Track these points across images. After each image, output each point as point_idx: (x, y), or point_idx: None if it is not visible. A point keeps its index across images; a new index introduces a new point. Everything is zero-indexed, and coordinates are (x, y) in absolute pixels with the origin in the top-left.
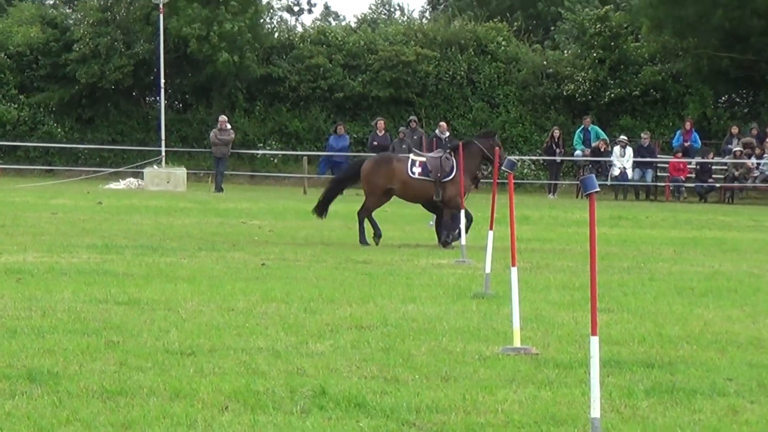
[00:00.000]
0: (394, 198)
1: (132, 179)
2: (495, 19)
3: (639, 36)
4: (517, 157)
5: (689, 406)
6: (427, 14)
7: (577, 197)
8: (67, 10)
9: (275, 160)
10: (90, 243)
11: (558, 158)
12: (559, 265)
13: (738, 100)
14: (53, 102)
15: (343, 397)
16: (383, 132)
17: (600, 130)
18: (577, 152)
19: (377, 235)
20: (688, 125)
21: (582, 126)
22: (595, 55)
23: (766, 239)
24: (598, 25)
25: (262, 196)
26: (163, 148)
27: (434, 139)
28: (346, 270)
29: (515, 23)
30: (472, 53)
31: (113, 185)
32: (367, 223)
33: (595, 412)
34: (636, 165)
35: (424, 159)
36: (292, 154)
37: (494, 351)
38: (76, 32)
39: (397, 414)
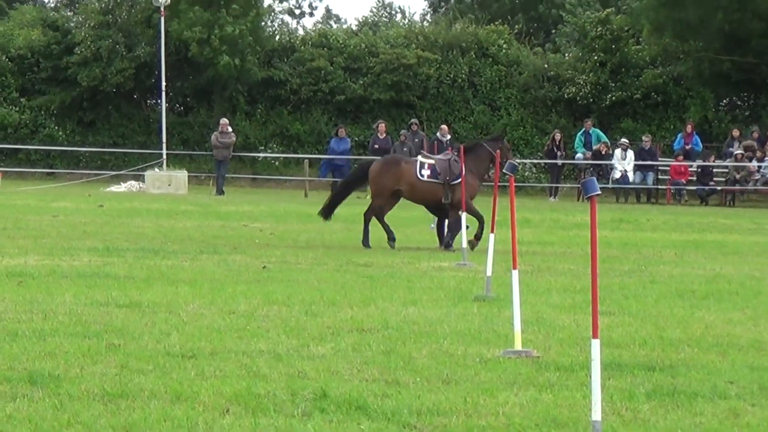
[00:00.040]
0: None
1: (133, 182)
2: (496, 22)
3: (640, 39)
4: (518, 160)
5: (690, 409)
6: (428, 17)
7: (578, 200)
8: (69, 13)
9: (276, 163)
10: (91, 246)
11: (559, 161)
12: (560, 268)
13: (739, 103)
14: (54, 105)
15: (344, 400)
16: (384, 135)
17: (601, 133)
18: (578, 155)
19: (391, 239)
20: (689, 128)
21: (583, 129)
22: (596, 58)
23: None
24: (599, 28)
25: (263, 199)
26: (164, 151)
27: (435, 142)
28: (348, 273)
29: (516, 26)
30: (474, 56)
31: (114, 188)
32: (378, 227)
33: (596, 415)
34: (637, 168)
35: (432, 161)
36: (294, 157)
37: (495, 354)
38: (78, 35)
39: (398, 417)
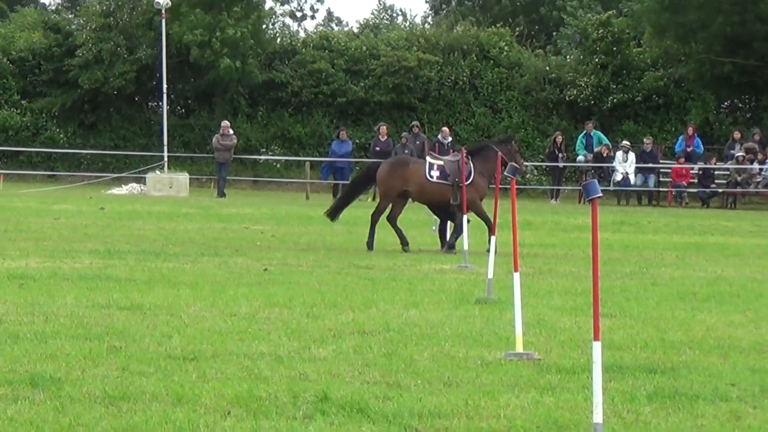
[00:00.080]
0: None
1: (134, 184)
2: (497, 25)
3: (641, 41)
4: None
5: (692, 411)
6: (429, 19)
7: (579, 202)
8: (70, 16)
9: (278, 166)
10: (92, 248)
11: (560, 163)
12: (562, 270)
13: (740, 105)
14: (56, 107)
15: (345, 403)
16: (386, 137)
17: (602, 136)
18: (580, 157)
19: (403, 243)
20: (690, 130)
21: (584, 131)
22: (597, 60)
23: None
24: (601, 31)
25: (264, 202)
26: (165, 154)
27: (436, 144)
28: (349, 275)
29: (518, 28)
30: (475, 58)
31: (116, 190)
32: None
33: (598, 417)
34: (638, 170)
35: (441, 162)
36: (295, 160)
37: (497, 356)
38: (79, 37)
39: (399, 419)
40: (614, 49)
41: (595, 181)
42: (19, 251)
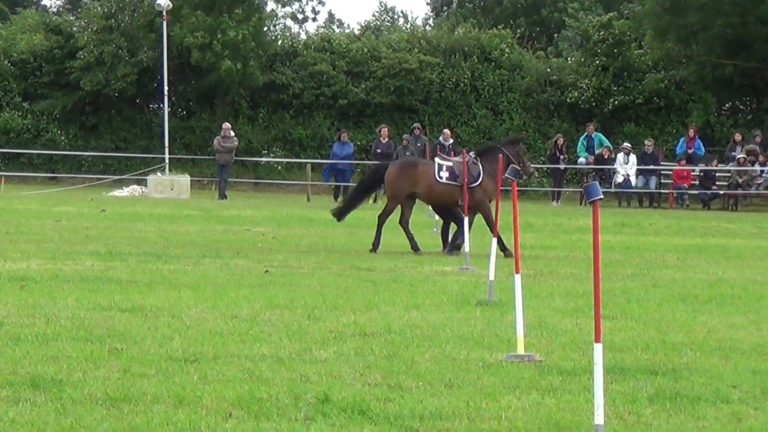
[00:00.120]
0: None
1: (135, 186)
2: (499, 27)
3: (642, 43)
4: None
5: (693, 413)
6: (430, 21)
7: (580, 204)
8: (71, 18)
9: (279, 168)
10: (93, 250)
11: (562, 165)
12: (563, 272)
13: (741, 107)
14: (57, 109)
15: (346, 404)
16: (387, 139)
17: (603, 138)
18: (581, 159)
19: (414, 248)
20: (691, 132)
21: (585, 133)
22: (598, 62)
23: None
24: (602, 33)
25: (265, 204)
26: (166, 156)
27: (438, 146)
28: (350, 277)
29: (519, 30)
30: (476, 60)
31: (117, 192)
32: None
33: (599, 419)
34: (639, 172)
35: (450, 164)
36: (296, 162)
37: (498, 358)
38: (80, 39)
39: (400, 421)
40: (615, 51)
41: (596, 183)
42: (20, 253)
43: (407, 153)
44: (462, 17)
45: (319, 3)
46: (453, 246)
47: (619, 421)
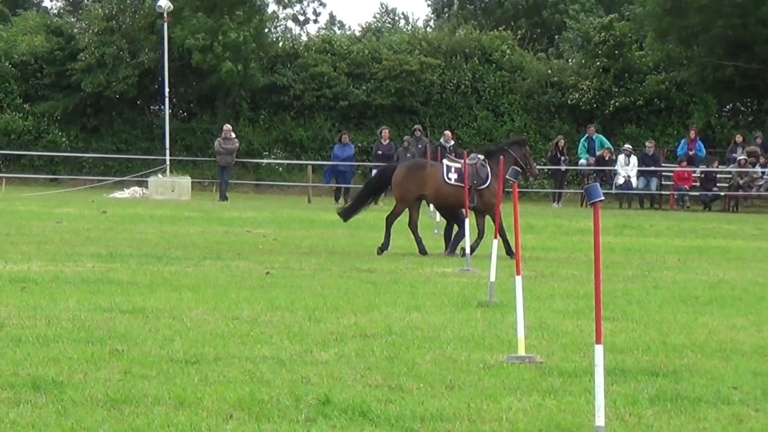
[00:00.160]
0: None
1: (136, 188)
2: (499, 28)
3: (643, 45)
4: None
5: (694, 414)
6: (431, 23)
7: (581, 206)
8: (72, 19)
9: (280, 169)
10: (94, 252)
11: (562, 167)
12: (564, 273)
13: (742, 108)
14: (58, 111)
15: (347, 406)
16: (388, 141)
17: (604, 139)
18: (582, 161)
19: (422, 251)
20: (692, 134)
21: (586, 135)
22: (599, 63)
23: None
24: (603, 34)
25: (266, 205)
26: (167, 157)
27: (438, 147)
28: (351, 279)
29: (520, 32)
30: (477, 62)
31: (118, 194)
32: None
33: (600, 420)
34: (640, 174)
35: (459, 165)
36: (297, 163)
37: (499, 359)
38: (81, 41)
39: (401, 422)
40: (616, 52)
41: (597, 184)
42: (21, 255)
43: (408, 154)
44: (463, 19)
45: (320, 5)
46: (473, 247)
47: (619, 423)
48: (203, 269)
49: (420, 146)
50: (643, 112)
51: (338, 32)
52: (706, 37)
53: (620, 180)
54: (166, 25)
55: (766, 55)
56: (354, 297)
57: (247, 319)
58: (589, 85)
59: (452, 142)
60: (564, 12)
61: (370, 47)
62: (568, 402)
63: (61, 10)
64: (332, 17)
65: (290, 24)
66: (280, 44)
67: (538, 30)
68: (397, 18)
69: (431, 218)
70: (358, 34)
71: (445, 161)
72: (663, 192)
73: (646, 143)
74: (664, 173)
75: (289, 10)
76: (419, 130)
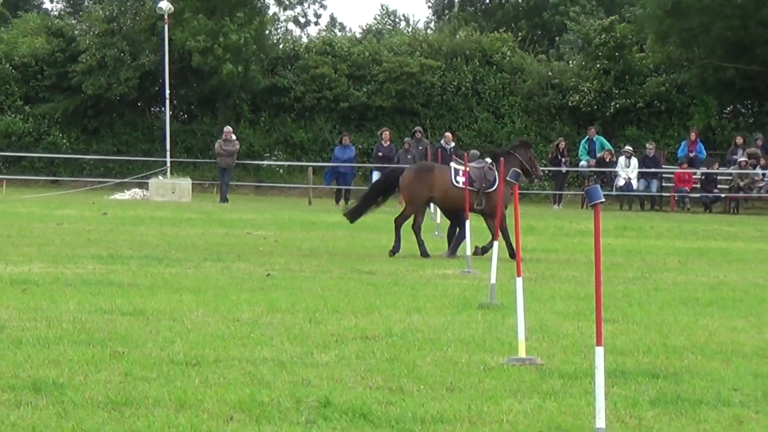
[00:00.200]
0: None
1: (137, 190)
2: (500, 30)
3: (644, 46)
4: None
5: (694, 416)
6: (431, 25)
7: (582, 207)
8: (73, 21)
9: (280, 171)
10: (95, 253)
11: (563, 169)
12: (564, 275)
13: (743, 110)
14: (58, 113)
15: (348, 408)
16: (388, 142)
17: (605, 141)
18: (582, 163)
19: (423, 254)
20: (693, 136)
21: (587, 136)
22: (600, 65)
23: None
24: (603, 36)
25: (267, 207)
26: (168, 159)
27: (439, 149)
28: (351, 280)
29: (520, 34)
30: (477, 64)
31: (118, 196)
32: (420, 239)
33: (600, 422)
34: (641, 175)
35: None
36: (297, 165)
37: (499, 361)
38: (82, 43)
39: (402, 424)
40: (617, 54)
41: (598, 186)
42: (21, 256)
43: (408, 156)
44: (463, 20)
45: (321, 6)
46: (480, 250)
47: (620, 425)
48: (204, 271)
49: (420, 148)
50: (644, 114)
51: (339, 34)
52: (706, 38)
53: (621, 182)
54: (166, 27)
55: (767, 56)
56: (354, 299)
57: (247, 320)
58: (590, 87)
59: (453, 144)
60: (564, 14)
61: (371, 49)
62: (568, 404)
63: (62, 12)
64: (333, 19)
65: (291, 26)
66: (281, 46)
67: (539, 32)
68: (397, 20)
69: (432, 220)
70: (358, 35)
71: (452, 164)
72: (663, 194)
73: (647, 145)
74: (664, 175)
75: (289, 12)
76: (420, 131)
